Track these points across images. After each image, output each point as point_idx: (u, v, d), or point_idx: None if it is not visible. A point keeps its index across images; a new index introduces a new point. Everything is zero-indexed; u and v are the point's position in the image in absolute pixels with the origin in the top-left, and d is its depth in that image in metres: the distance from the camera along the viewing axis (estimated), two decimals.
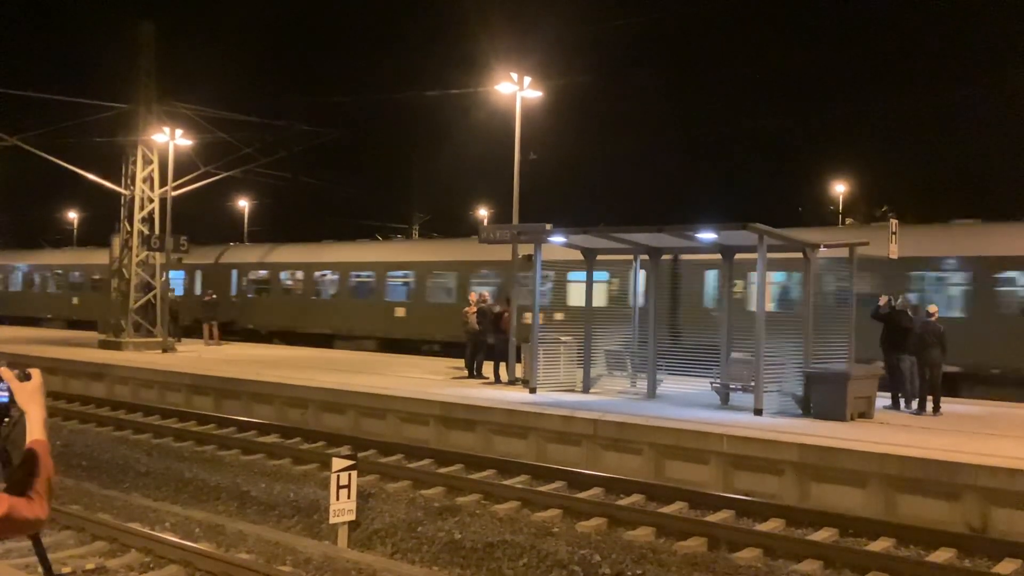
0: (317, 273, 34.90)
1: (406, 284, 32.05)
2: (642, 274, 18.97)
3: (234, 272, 37.18)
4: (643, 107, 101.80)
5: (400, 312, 31.33)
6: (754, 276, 20.11)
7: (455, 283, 30.19)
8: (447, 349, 28.82)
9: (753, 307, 22.92)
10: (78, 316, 42.06)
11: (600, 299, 24.50)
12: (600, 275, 23.83)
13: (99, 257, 44.47)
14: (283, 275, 36.17)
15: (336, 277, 34.11)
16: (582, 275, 23.07)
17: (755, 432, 13.07)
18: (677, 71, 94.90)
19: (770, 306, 23.36)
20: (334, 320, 33.10)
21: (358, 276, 33.51)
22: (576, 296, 24.18)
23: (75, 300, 43.95)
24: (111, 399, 21.73)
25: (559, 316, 24.87)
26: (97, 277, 42.68)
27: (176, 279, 36.99)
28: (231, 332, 31.40)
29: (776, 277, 23.63)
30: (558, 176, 77.37)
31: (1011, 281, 21.10)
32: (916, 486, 11.33)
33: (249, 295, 36.38)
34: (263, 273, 36.68)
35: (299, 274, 35.47)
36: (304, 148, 32.24)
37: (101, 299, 40.55)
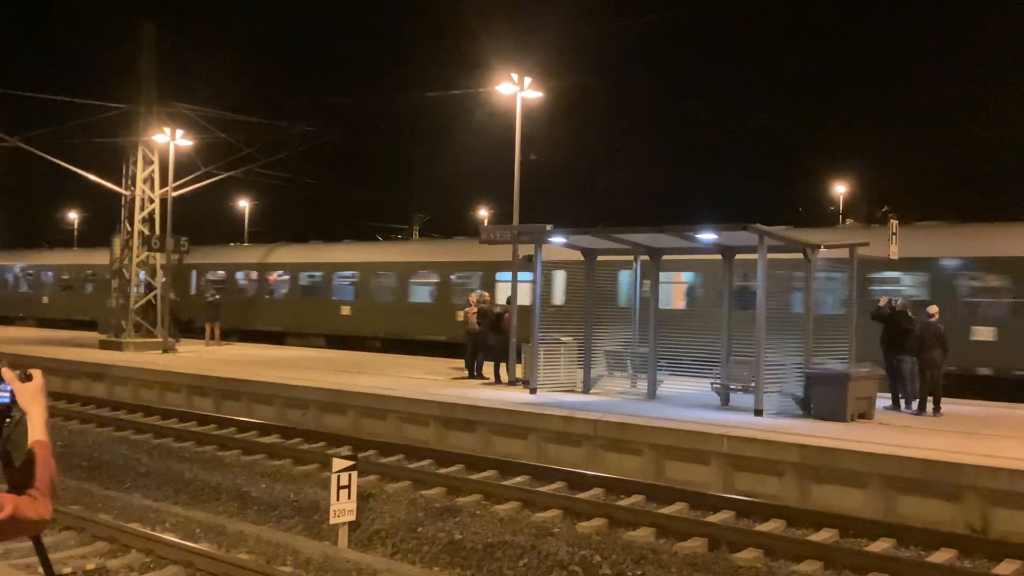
0: (271, 274, 36.51)
1: (352, 284, 33.53)
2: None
3: (193, 272, 38.53)
4: (643, 107, 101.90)
5: (346, 310, 32.83)
6: (662, 276, 21.05)
7: (396, 283, 31.88)
8: (388, 346, 30.50)
9: (661, 305, 24.61)
10: (48, 315, 43.81)
11: (524, 298, 25.23)
12: (524, 276, 25.43)
13: (68, 258, 47.34)
14: (239, 275, 37.56)
15: (287, 277, 35.69)
16: (509, 275, 24.93)
17: (755, 433, 13.08)
18: (677, 71, 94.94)
19: (680, 303, 24.59)
20: (285, 318, 34.64)
21: (310, 276, 35.06)
22: (504, 295, 25.58)
23: (44, 299, 45.72)
24: (112, 399, 21.74)
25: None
26: (66, 277, 44.97)
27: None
28: (189, 329, 32.59)
29: (685, 277, 25.08)
30: (558, 176, 77.39)
31: None
32: (916, 487, 11.34)
33: (207, 295, 37.17)
34: (221, 273, 37.91)
35: (253, 274, 36.95)
36: (305, 148, 32.30)
37: (68, 298, 43.66)
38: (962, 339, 19.89)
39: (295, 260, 35.81)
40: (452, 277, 30.33)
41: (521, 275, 25.61)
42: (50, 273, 46.60)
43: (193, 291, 36.71)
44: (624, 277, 24.34)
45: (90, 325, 39.23)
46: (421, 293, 31.51)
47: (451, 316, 29.03)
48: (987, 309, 21.32)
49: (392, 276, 32.25)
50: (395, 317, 31.36)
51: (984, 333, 20.63)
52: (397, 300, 31.74)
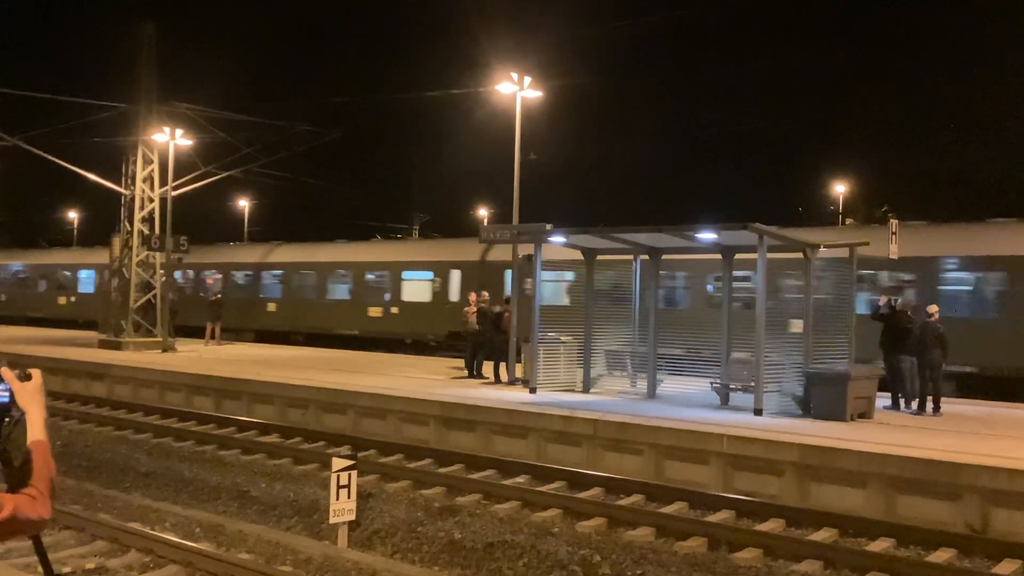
0: (208, 274, 38.56)
1: (278, 283, 36.31)
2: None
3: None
4: (643, 107, 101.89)
5: (272, 307, 35.35)
6: (544, 275, 22.49)
7: (316, 281, 34.81)
8: (310, 340, 32.91)
9: (548, 300, 27.09)
10: (3, 312, 46.17)
11: (425, 295, 30.96)
12: (425, 274, 31.07)
13: (24, 258, 50.19)
14: (176, 274, 39.31)
15: (220, 276, 37.99)
16: (416, 274, 30.57)
17: (755, 432, 13.08)
18: (677, 71, 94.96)
19: (565, 300, 27.13)
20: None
21: (245, 276, 37.40)
22: (410, 293, 31.22)
23: (2, 297, 48.37)
24: (111, 399, 21.74)
25: (395, 311, 31.34)
26: (22, 276, 48.22)
27: (88, 278, 43.38)
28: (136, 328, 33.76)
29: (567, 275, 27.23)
30: (558, 176, 77.38)
31: None
32: (916, 486, 11.33)
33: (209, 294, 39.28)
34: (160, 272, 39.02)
35: (190, 273, 38.75)
36: (305, 148, 32.29)
37: (25, 295, 46.81)
38: None
39: (228, 260, 37.82)
40: (365, 276, 33.31)
41: (417, 274, 31.38)
42: (7, 272, 48.91)
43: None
44: (508, 275, 27.15)
45: (41, 322, 41.49)
46: (339, 291, 34.18)
47: (364, 312, 32.38)
48: None
49: (313, 275, 34.91)
50: (315, 313, 34.08)
51: None
52: (317, 298, 34.44)
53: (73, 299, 43.74)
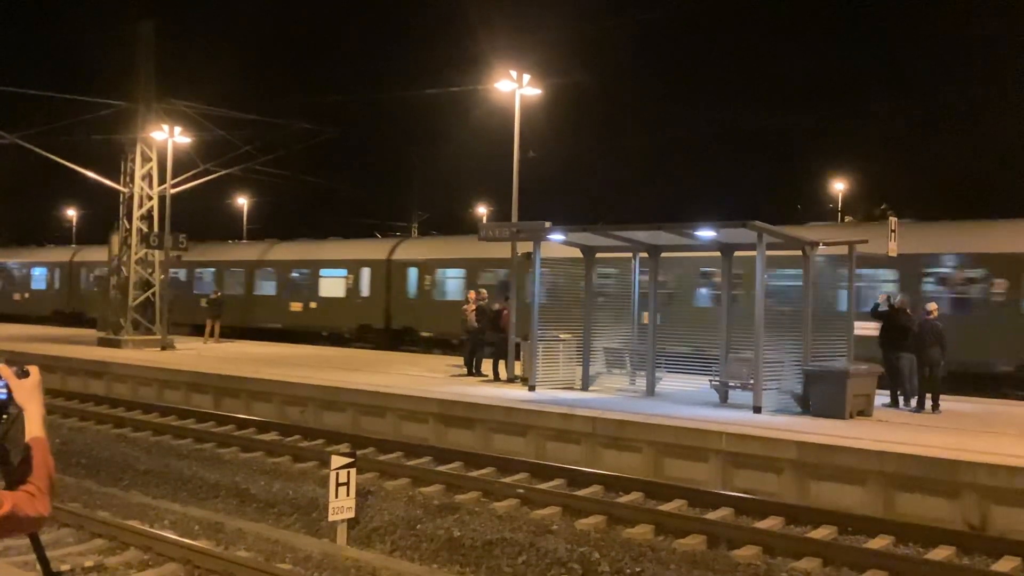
0: None
1: (210, 279, 38.64)
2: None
3: (83, 270, 44.46)
4: (642, 106, 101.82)
5: (204, 302, 36.52)
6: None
7: (244, 278, 37.54)
8: (241, 334, 34.44)
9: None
10: None
11: (340, 291, 33.74)
12: (340, 272, 34.02)
13: None
14: None
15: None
16: (332, 271, 33.83)
17: (754, 430, 13.08)
18: (677, 70, 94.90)
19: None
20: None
21: (186, 272, 39.18)
22: (326, 289, 34.32)
23: None
24: (110, 397, 21.72)
25: (313, 305, 34.32)
26: None
27: (40, 275, 46.13)
28: (82, 322, 36.37)
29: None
30: (557, 174, 77.35)
31: None
32: (915, 484, 11.34)
33: (94, 288, 41.19)
34: (104, 270, 39.57)
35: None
36: (303, 146, 32.26)
37: None
38: None
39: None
40: (290, 274, 36.11)
41: (333, 271, 34.39)
42: None
43: (83, 286, 42.69)
44: (412, 273, 31.50)
45: None
46: (265, 287, 36.90)
47: (287, 307, 35.40)
48: None
49: (241, 272, 37.58)
50: (243, 308, 36.16)
51: None
52: (245, 293, 36.98)
53: (27, 295, 46.74)
